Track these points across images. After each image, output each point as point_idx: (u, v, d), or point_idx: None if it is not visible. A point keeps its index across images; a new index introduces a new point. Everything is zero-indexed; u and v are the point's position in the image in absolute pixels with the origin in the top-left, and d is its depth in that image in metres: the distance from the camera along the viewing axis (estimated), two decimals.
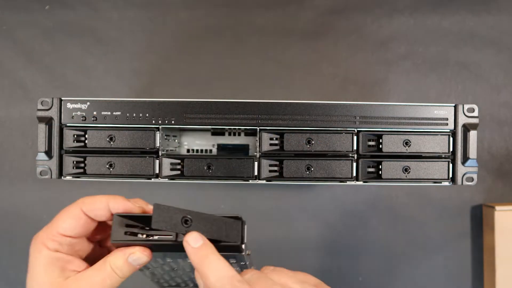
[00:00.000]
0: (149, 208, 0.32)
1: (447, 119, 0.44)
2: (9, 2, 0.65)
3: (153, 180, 0.44)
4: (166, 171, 0.44)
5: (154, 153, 0.44)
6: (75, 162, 0.44)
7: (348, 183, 0.44)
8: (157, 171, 0.44)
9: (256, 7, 0.65)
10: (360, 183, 0.44)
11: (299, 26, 0.65)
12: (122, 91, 0.64)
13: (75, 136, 0.44)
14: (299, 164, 0.44)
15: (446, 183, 0.45)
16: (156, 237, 0.31)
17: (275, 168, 0.44)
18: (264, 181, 0.44)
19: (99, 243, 0.35)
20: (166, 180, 0.45)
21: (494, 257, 0.61)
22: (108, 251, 0.34)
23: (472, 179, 0.44)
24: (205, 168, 0.44)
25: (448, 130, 0.44)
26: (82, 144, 0.44)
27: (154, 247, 0.31)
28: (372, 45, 0.65)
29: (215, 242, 0.30)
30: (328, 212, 0.64)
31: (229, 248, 0.31)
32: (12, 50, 0.64)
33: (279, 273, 0.32)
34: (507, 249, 0.60)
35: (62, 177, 0.44)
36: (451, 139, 0.44)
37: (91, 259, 0.34)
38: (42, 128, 0.43)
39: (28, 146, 0.64)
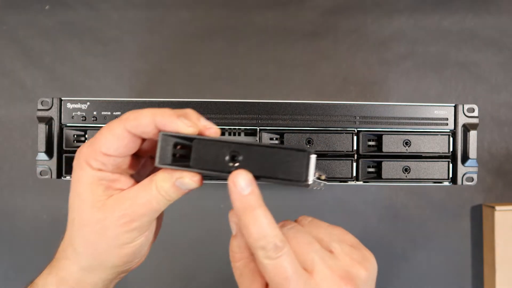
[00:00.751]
0: (202, 124, 0.28)
1: (447, 119, 0.44)
2: (9, 2, 0.65)
3: None
4: None
5: None
6: None
7: (349, 183, 0.44)
8: None
9: (256, 7, 0.65)
10: (360, 183, 0.44)
11: (299, 26, 0.65)
12: (122, 91, 0.64)
13: (75, 136, 0.44)
14: None
15: (446, 183, 0.45)
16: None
17: None
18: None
19: (150, 156, 0.32)
20: None
21: (494, 257, 0.61)
22: None
23: (472, 179, 0.44)
24: None
25: (448, 130, 0.44)
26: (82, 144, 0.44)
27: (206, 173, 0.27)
28: (372, 45, 0.65)
29: (270, 178, 0.26)
30: (328, 211, 0.64)
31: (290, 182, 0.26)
32: (12, 50, 0.64)
33: (317, 227, 0.30)
34: (507, 249, 0.60)
35: (62, 177, 0.44)
36: (451, 139, 0.44)
37: (142, 174, 0.31)
38: (42, 128, 0.43)
39: (28, 146, 0.64)
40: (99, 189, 0.28)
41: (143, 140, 0.29)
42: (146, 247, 0.31)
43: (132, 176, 0.30)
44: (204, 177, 0.28)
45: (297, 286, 0.25)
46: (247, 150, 0.26)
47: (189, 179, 0.27)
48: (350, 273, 0.27)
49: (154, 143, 0.29)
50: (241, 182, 0.25)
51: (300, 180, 0.26)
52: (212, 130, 0.28)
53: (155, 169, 0.30)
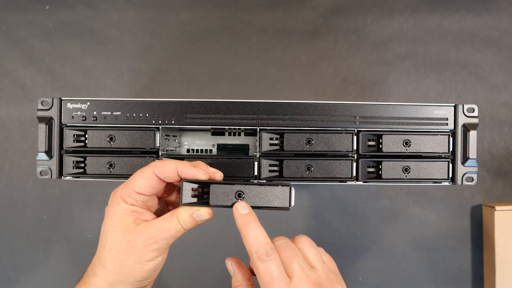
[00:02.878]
0: (210, 171, 0.37)
1: (447, 119, 0.44)
2: (9, 2, 0.65)
3: None
4: None
5: (154, 153, 0.44)
6: (75, 162, 0.44)
7: (348, 183, 0.44)
8: None
9: (256, 7, 0.65)
10: (360, 183, 0.44)
11: (299, 26, 0.65)
12: (122, 91, 0.64)
13: (75, 136, 0.44)
14: (299, 164, 0.44)
15: (446, 183, 0.45)
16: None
17: (275, 168, 0.44)
18: (264, 181, 0.44)
19: (165, 200, 0.41)
20: None
21: (494, 257, 0.61)
22: (173, 207, 0.42)
23: (472, 179, 0.44)
24: None
25: (448, 130, 0.44)
26: (82, 144, 0.44)
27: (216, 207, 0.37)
28: (372, 45, 0.65)
29: (265, 207, 0.36)
30: (328, 211, 0.64)
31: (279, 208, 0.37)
32: (12, 50, 0.64)
33: (308, 247, 0.37)
34: (507, 249, 0.60)
35: (62, 177, 0.44)
36: (451, 139, 0.44)
37: (158, 214, 0.39)
38: (42, 128, 0.43)
39: (28, 146, 0.64)
40: (130, 219, 0.36)
41: (165, 184, 0.37)
42: (159, 269, 0.38)
43: (154, 213, 0.39)
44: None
45: (279, 286, 0.33)
46: (247, 189, 0.37)
47: (204, 211, 0.36)
48: (323, 285, 0.34)
49: (170, 188, 0.39)
50: (240, 206, 0.36)
51: (285, 207, 0.37)
52: (218, 174, 0.38)
53: (167, 210, 0.41)
